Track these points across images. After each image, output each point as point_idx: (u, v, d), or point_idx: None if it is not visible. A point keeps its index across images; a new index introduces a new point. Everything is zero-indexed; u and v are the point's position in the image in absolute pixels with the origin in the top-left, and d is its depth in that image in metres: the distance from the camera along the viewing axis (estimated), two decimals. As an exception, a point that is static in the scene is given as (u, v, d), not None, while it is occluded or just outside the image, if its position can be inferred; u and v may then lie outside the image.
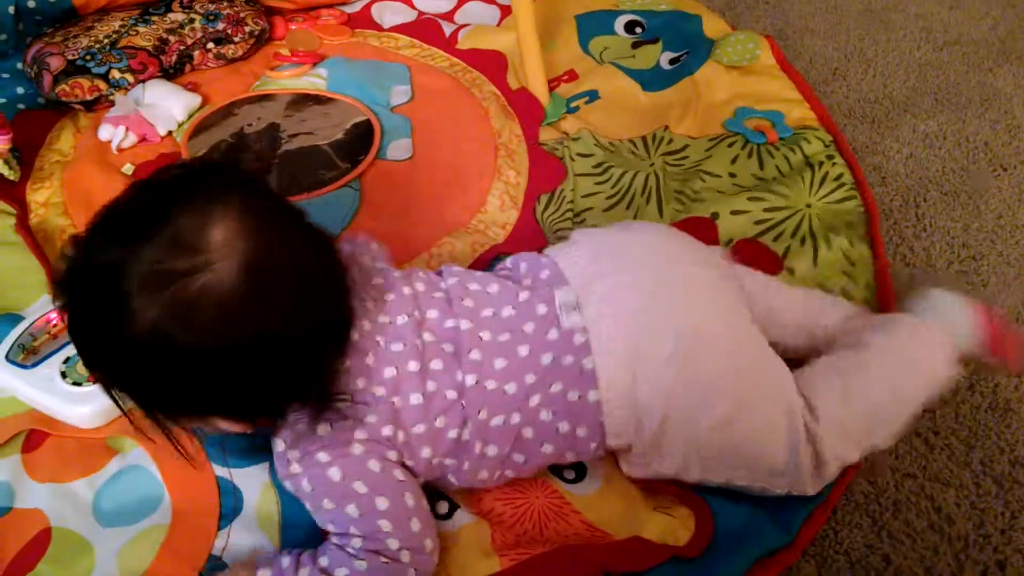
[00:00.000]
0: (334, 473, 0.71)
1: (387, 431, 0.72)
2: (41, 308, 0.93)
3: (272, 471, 0.80)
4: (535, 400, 0.74)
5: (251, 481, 0.81)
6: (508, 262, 0.84)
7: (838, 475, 0.77)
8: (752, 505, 0.78)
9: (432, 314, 0.76)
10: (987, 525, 0.79)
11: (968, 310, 0.85)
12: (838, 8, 1.53)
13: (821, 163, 1.12)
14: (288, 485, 0.74)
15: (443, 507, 0.79)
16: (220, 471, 0.82)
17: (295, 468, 0.72)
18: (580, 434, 0.75)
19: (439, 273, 0.81)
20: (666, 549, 0.75)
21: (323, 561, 0.70)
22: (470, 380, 0.73)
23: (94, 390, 0.84)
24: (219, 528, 0.78)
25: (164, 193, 0.67)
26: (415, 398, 0.73)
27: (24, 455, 0.84)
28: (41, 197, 1.12)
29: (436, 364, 0.74)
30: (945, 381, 0.81)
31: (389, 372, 0.73)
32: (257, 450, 0.82)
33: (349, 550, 0.70)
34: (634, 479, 0.80)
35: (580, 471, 0.83)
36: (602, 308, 0.75)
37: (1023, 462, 0.84)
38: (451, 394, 0.73)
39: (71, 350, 0.87)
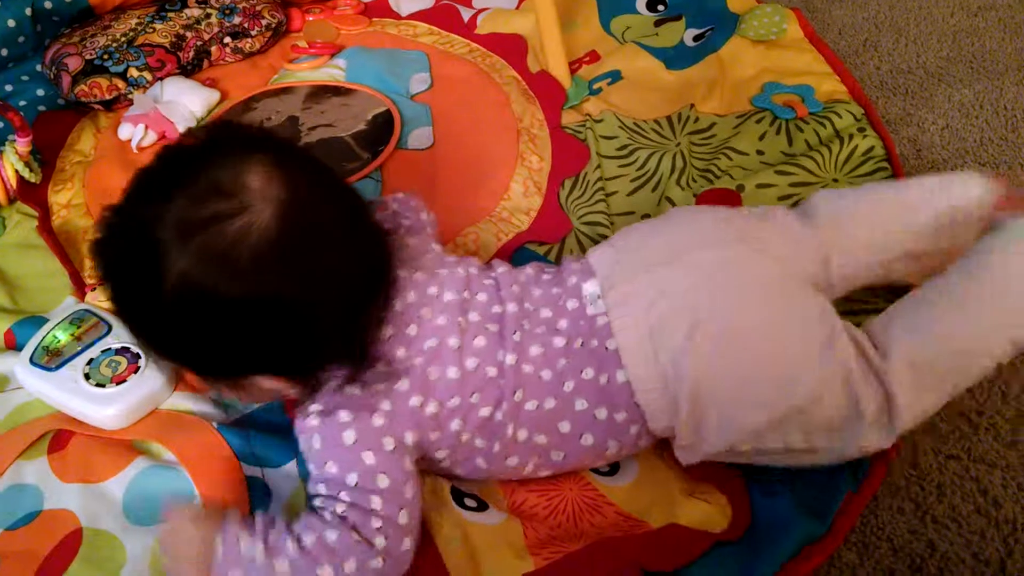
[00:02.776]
0: (348, 436, 0.70)
1: (415, 401, 0.72)
2: (64, 310, 0.93)
3: (300, 464, 0.80)
4: (569, 386, 0.73)
5: (282, 481, 0.80)
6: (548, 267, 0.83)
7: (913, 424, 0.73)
8: (790, 493, 0.76)
9: (481, 297, 0.77)
10: (1037, 508, 0.76)
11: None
12: (866, -23, 1.48)
13: (851, 136, 1.08)
14: (301, 441, 0.73)
15: (472, 501, 0.78)
16: (250, 470, 0.81)
17: (313, 421, 0.71)
18: (618, 419, 0.74)
19: (488, 264, 0.83)
20: (706, 537, 0.74)
21: (296, 527, 0.68)
22: (510, 359, 0.73)
23: (119, 391, 0.84)
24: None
25: (194, 151, 0.68)
26: (452, 372, 0.73)
27: (50, 456, 0.84)
28: (63, 198, 1.12)
29: (479, 342, 0.74)
30: None
31: (430, 344, 0.73)
32: (290, 447, 0.81)
33: (327, 515, 0.68)
34: (684, 465, 0.78)
35: (614, 463, 0.81)
36: (625, 293, 0.74)
37: (1073, 441, 0.81)
38: (491, 371, 0.73)
39: (94, 352, 0.87)
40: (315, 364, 0.70)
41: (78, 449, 0.84)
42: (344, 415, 0.70)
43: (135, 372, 0.85)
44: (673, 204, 1.04)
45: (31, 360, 0.87)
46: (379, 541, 0.67)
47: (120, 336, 0.89)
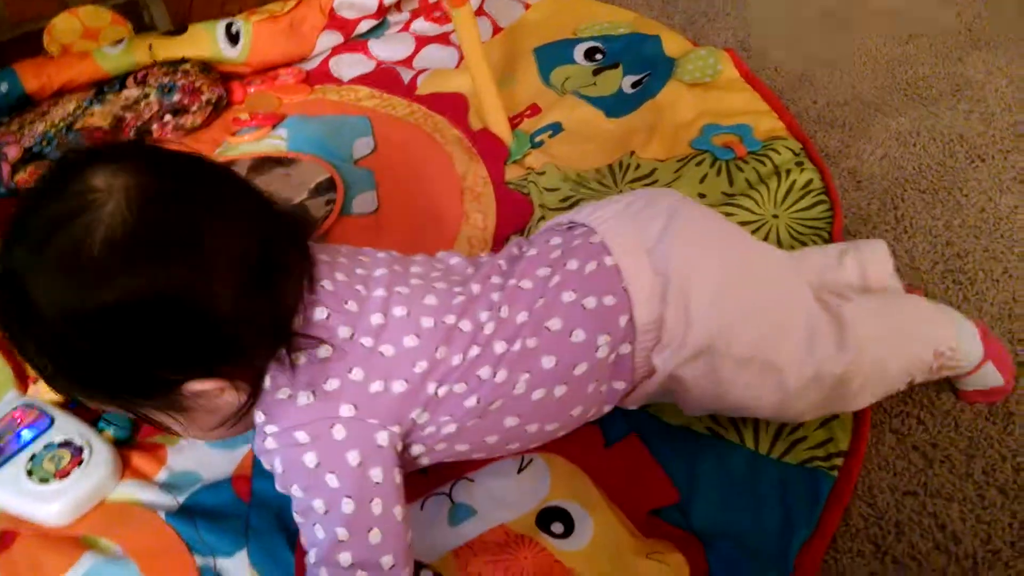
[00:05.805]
0: (309, 459, 0.67)
1: (376, 387, 0.68)
2: (6, 405, 0.91)
3: (251, 554, 0.78)
4: (554, 280, 0.73)
5: (234, 570, 0.78)
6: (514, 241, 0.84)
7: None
8: (748, 543, 0.75)
9: (416, 268, 0.77)
10: (995, 539, 0.76)
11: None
12: (798, 14, 1.51)
13: (789, 171, 1.09)
14: (263, 461, 0.70)
15: (428, 572, 0.76)
16: (202, 560, 0.79)
17: (270, 443, 0.68)
18: (608, 303, 0.72)
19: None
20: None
21: None
22: (475, 288, 0.74)
23: (63, 486, 0.82)
24: (208, 620, 0.75)
25: (39, 182, 0.63)
26: (409, 340, 0.70)
27: (-4, 559, 0.81)
28: (4, 290, 1.10)
29: (430, 299, 0.73)
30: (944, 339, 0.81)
31: (376, 319, 0.70)
32: (239, 533, 0.80)
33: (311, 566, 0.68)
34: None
35: (568, 525, 0.79)
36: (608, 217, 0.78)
37: (1027, 468, 0.80)
38: (450, 318, 0.72)
39: (37, 447, 0.85)
40: (239, 350, 0.64)
41: (25, 548, 0.82)
42: (301, 435, 0.67)
43: (79, 465, 0.84)
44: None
45: (-29, 460, 0.85)
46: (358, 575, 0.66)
47: (63, 429, 0.87)
